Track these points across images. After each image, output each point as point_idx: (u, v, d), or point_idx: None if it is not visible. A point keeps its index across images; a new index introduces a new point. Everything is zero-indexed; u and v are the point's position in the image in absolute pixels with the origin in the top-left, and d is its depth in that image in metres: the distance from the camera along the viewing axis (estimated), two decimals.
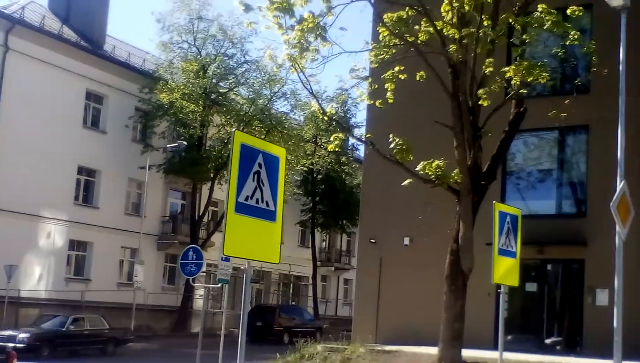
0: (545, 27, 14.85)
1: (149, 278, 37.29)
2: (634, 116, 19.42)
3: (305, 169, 44.77)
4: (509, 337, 21.02)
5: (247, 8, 14.95)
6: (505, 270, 11.41)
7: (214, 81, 38.81)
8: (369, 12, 19.33)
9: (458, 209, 16.27)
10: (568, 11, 15.52)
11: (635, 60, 19.76)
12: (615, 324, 9.78)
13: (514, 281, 11.73)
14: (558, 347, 21.92)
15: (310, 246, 48.84)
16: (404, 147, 16.54)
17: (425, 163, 16.51)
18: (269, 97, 39.85)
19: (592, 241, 21.53)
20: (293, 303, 49.73)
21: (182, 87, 37.11)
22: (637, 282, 19.16)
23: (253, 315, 32.19)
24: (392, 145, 16.66)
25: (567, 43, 15.93)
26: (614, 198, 10.12)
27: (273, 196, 7.29)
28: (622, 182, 10.48)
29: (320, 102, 19.70)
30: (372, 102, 18.40)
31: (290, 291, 52.42)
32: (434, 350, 16.40)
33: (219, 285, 18.03)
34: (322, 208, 47.98)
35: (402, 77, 16.89)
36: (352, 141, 46.07)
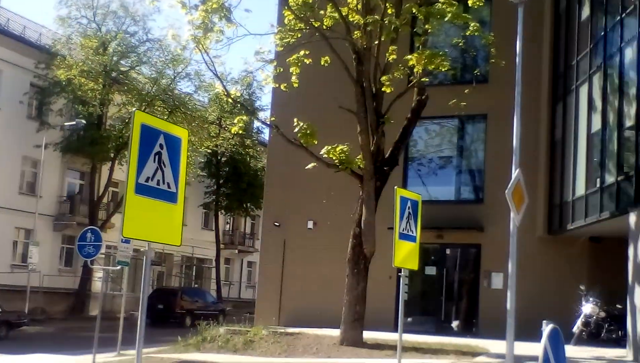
0: (446, 19, 15.19)
1: (45, 260, 36.00)
2: (530, 106, 20.21)
3: (209, 151, 44.26)
4: (409, 319, 21.60)
5: None
6: (406, 254, 11.64)
7: (114, 58, 37.68)
8: None
9: (361, 193, 16.51)
10: (469, 2, 15.94)
11: (532, 52, 20.55)
12: (508, 306, 10.17)
13: (414, 265, 12.00)
14: (455, 328, 22.65)
15: (213, 228, 48.46)
16: (308, 131, 16.61)
17: (329, 147, 16.66)
18: (172, 77, 39.05)
19: (488, 227, 22.32)
20: (196, 285, 49.24)
21: (80, 64, 35.83)
22: (530, 266, 20.02)
23: (154, 298, 31.72)
24: (296, 129, 16.70)
25: (468, 34, 16.37)
26: (509, 186, 10.49)
27: (175, 178, 7.17)
28: (517, 170, 10.87)
29: (224, 84, 19.50)
30: (277, 85, 18.38)
31: (193, 274, 51.88)
32: (336, 332, 16.64)
33: (119, 267, 17.64)
34: (226, 191, 47.63)
35: (307, 62, 16.94)
36: (256, 124, 45.85)
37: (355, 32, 16.05)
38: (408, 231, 11.63)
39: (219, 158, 47.24)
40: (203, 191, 46.72)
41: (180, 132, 7.38)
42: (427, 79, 17.53)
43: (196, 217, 48.60)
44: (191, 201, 43.00)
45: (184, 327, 29.33)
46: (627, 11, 16.89)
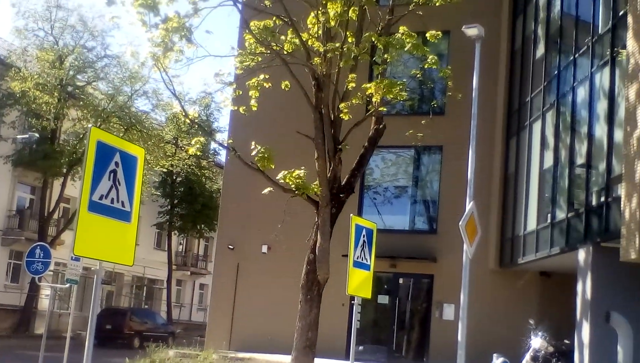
0: (405, 49, 15.40)
1: None
2: (485, 140, 20.56)
3: (164, 170, 43.87)
4: (361, 347, 21.60)
5: (110, 2, 14.42)
6: (360, 282, 11.65)
7: (71, 73, 37.19)
8: (236, 17, 19.33)
9: (316, 219, 16.49)
10: (427, 35, 16.19)
11: (488, 87, 20.96)
12: (459, 338, 10.24)
13: (367, 294, 12.01)
14: (407, 358, 22.69)
15: (166, 249, 47.87)
16: (265, 155, 16.55)
17: (286, 172, 16.62)
18: (130, 94, 38.65)
19: (441, 258, 22.51)
20: (146, 306, 48.45)
21: (36, 76, 35.27)
22: (481, 299, 20.22)
23: (102, 318, 31.08)
24: (254, 152, 16.66)
25: (426, 66, 16.60)
26: (463, 218, 10.62)
27: (129, 197, 7.08)
28: (471, 203, 11.01)
29: (182, 104, 19.38)
30: (235, 108, 18.31)
31: (144, 295, 51.05)
32: (287, 359, 16.48)
33: (67, 285, 17.29)
34: (180, 211, 47.19)
35: (267, 86, 16.94)
36: (213, 145, 45.70)
37: (315, 59, 16.13)
38: (362, 259, 11.65)
39: (174, 177, 46.87)
40: (157, 211, 46.19)
41: (137, 151, 7.29)
42: (385, 108, 17.68)
43: (149, 237, 47.99)
44: (144, 221, 42.46)
45: (132, 348, 28.81)
46: (580, 52, 17.35)
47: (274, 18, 16.00)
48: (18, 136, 35.72)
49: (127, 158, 7.04)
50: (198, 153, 18.33)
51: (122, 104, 37.72)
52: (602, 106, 15.92)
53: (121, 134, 33.73)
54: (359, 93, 16.37)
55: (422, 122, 19.03)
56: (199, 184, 46.90)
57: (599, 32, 16.40)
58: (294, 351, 16.13)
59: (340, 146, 16.58)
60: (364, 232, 11.72)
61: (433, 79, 21.88)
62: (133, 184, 7.13)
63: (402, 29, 15.61)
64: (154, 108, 40.81)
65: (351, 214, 12.01)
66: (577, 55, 17.58)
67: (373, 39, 15.74)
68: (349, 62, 15.90)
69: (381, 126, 17.30)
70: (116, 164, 6.89)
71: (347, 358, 15.60)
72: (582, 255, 15.92)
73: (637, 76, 13.63)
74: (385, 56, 16.30)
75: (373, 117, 17.36)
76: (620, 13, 15.14)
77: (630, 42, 13.96)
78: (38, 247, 16.02)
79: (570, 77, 17.94)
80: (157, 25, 15.17)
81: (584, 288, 15.65)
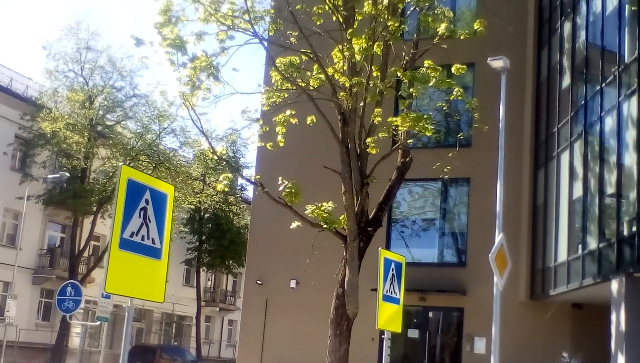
0: (430, 84, 15.46)
1: (22, 314, 35.42)
2: (512, 171, 20.46)
3: (192, 207, 44.15)
4: None
5: (139, 42, 14.73)
6: (389, 316, 11.57)
7: (100, 112, 37.83)
8: (262, 54, 19.55)
9: (344, 254, 16.46)
10: (452, 69, 16.24)
11: (514, 119, 20.93)
12: None
13: (397, 327, 11.91)
14: None
15: (195, 285, 47.95)
16: (292, 190, 16.62)
17: (314, 206, 16.66)
18: (158, 132, 39.17)
19: (471, 290, 22.29)
20: (175, 343, 48.47)
21: (66, 117, 35.92)
22: (512, 331, 19.95)
23: (133, 355, 31.07)
24: (281, 188, 16.73)
25: (451, 98, 16.64)
26: (493, 250, 10.55)
27: (159, 234, 7.14)
28: (501, 235, 10.94)
29: (210, 140, 19.56)
30: (262, 144, 18.46)
31: (173, 331, 51.09)
32: None
33: (98, 323, 17.40)
34: (208, 247, 47.32)
35: (293, 121, 17.08)
36: (241, 181, 45.94)
37: (341, 93, 16.25)
38: (392, 293, 11.58)
39: (202, 214, 47.12)
40: (185, 247, 46.38)
41: (166, 188, 7.37)
42: (411, 141, 17.72)
43: (177, 273, 48.18)
44: (173, 257, 42.36)
45: None
46: (607, 81, 17.29)
47: (300, 54, 16.19)
48: (49, 176, 36.27)
49: (157, 195, 7.13)
50: (226, 189, 18.50)
51: (150, 142, 38.20)
52: (630, 135, 15.80)
53: (150, 172, 34.09)
54: (384, 127, 16.43)
55: (449, 154, 19.00)
56: (226, 220, 47.06)
57: (625, 61, 16.35)
58: None
59: (367, 180, 16.60)
60: (392, 266, 11.67)
61: (459, 111, 21.90)
62: (163, 221, 7.20)
63: (427, 62, 15.68)
64: (182, 145, 41.29)
65: (379, 248, 11.97)
66: (603, 85, 17.51)
67: (398, 74, 15.84)
68: (375, 97, 15.99)
69: (408, 159, 17.30)
70: (146, 201, 6.96)
71: None
72: (615, 285, 15.69)
73: None
74: (411, 90, 16.37)
75: (399, 151, 17.39)
76: None
77: None
78: (69, 285, 16.20)
79: (597, 107, 17.85)
80: (184, 64, 15.43)
81: (618, 320, 15.39)
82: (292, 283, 24.34)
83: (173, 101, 18.24)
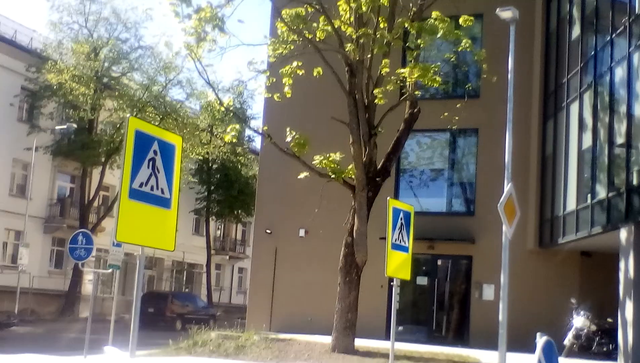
0: (438, 35, 15.30)
1: (35, 262, 35.95)
2: (521, 122, 20.37)
3: (200, 158, 44.28)
4: (400, 328, 21.66)
5: None
6: (398, 264, 11.69)
7: (106, 64, 37.66)
8: (268, 6, 19.34)
9: (353, 203, 16.56)
10: (460, 20, 16.05)
11: (523, 70, 20.73)
12: (500, 318, 10.22)
13: (406, 275, 12.04)
14: (447, 338, 22.69)
15: (204, 234, 48.41)
16: (301, 141, 16.67)
17: (322, 157, 16.71)
18: (164, 84, 39.02)
19: (479, 239, 22.42)
20: (186, 290, 49.13)
21: (72, 68, 35.79)
22: (521, 279, 20.12)
23: (145, 301, 31.53)
24: (289, 138, 16.76)
25: (459, 50, 16.48)
26: (502, 199, 10.58)
27: (168, 184, 7.19)
28: (509, 184, 10.96)
29: (216, 92, 19.53)
30: (269, 95, 18.43)
31: (184, 279, 51.77)
32: (327, 339, 16.65)
33: (109, 270, 17.62)
34: (217, 197, 47.65)
35: (300, 73, 17.00)
36: (248, 132, 45.95)
37: (348, 45, 16.12)
38: (400, 242, 11.68)
39: (210, 164, 47.28)
40: (194, 197, 46.71)
41: (174, 139, 7.39)
42: (419, 93, 17.63)
43: (187, 223, 48.58)
44: (182, 207, 42.64)
45: (174, 330, 29.30)
46: (617, 32, 17.06)
47: (306, 5, 16.02)
48: (56, 127, 36.35)
49: (165, 146, 7.15)
50: (233, 140, 18.48)
51: (156, 94, 38.12)
52: None
53: (157, 123, 34.09)
54: (392, 78, 16.34)
55: (457, 105, 18.92)
56: (234, 170, 47.24)
57: (636, 11, 16.10)
58: (335, 332, 16.29)
59: (374, 131, 16.61)
60: (401, 215, 11.74)
61: (467, 62, 21.70)
62: (172, 171, 7.24)
63: (434, 13, 15.50)
64: (188, 97, 41.21)
65: (388, 198, 12.02)
66: (614, 35, 17.28)
67: (406, 24, 15.68)
68: (382, 48, 15.88)
69: (416, 110, 17.27)
70: (154, 152, 6.99)
71: (387, 338, 15.70)
72: (623, 234, 15.76)
73: None
74: (419, 41, 16.23)
75: (407, 102, 17.33)
76: None
77: None
78: (80, 234, 16.33)
79: (607, 58, 17.66)
80: (189, 15, 15.34)
81: (627, 267, 15.50)
82: (301, 232, 24.51)
83: (178, 52, 18.12)
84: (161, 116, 37.58)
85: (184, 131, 37.35)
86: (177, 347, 17.26)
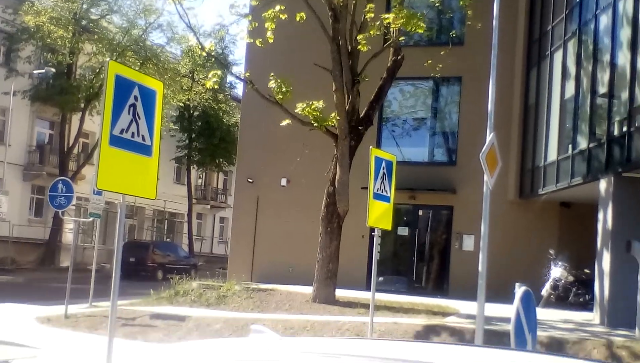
0: None
1: (14, 210, 35.66)
2: (504, 70, 20.25)
3: (181, 105, 43.84)
4: (381, 278, 21.82)
5: None
6: (380, 214, 11.67)
7: (84, 6, 36.86)
8: None
9: (335, 152, 16.50)
10: None
11: (508, 17, 20.51)
12: (480, 268, 10.27)
13: (387, 225, 12.05)
14: (427, 289, 22.94)
15: (186, 183, 48.26)
16: (283, 88, 16.49)
17: (304, 104, 16.57)
18: (144, 27, 38.35)
19: (461, 189, 22.50)
20: (168, 239, 49.18)
21: (49, 10, 35.01)
22: (501, 230, 20.29)
23: (126, 251, 31.35)
24: (271, 83, 16.59)
25: None
26: (484, 149, 10.51)
27: (149, 131, 7.05)
28: (492, 134, 10.89)
29: (198, 36, 19.22)
30: (251, 40, 18.15)
31: (165, 228, 51.78)
32: (308, 289, 16.77)
33: (90, 219, 17.53)
34: (198, 145, 47.36)
35: (283, 17, 16.72)
36: (230, 78, 45.46)
37: None
38: (382, 191, 11.64)
39: (191, 112, 46.87)
40: (175, 146, 46.39)
41: (155, 85, 7.23)
42: (403, 39, 17.44)
43: (168, 171, 48.37)
44: (163, 155, 42.03)
45: (155, 280, 29.41)
46: None
47: None
48: (34, 71, 35.71)
49: (146, 91, 6.99)
50: (215, 86, 18.26)
51: (136, 38, 37.47)
52: (625, 34, 15.56)
53: (137, 69, 33.53)
54: (376, 24, 16.13)
55: (441, 52, 18.75)
56: (216, 118, 46.90)
57: None
58: (315, 282, 16.40)
59: (358, 78, 16.46)
60: (383, 164, 11.68)
61: (452, 8, 21.46)
62: (153, 118, 7.10)
63: None
64: (169, 42, 40.66)
65: (370, 147, 11.95)
66: None
67: None
68: None
69: (399, 57, 17.11)
70: (135, 98, 6.84)
71: (367, 288, 15.85)
72: (603, 185, 15.85)
73: None
74: None
75: (391, 48, 17.15)
76: None
77: None
78: (60, 182, 16.18)
79: (592, 5, 17.50)
80: None
81: (605, 218, 15.64)
82: (283, 181, 24.46)
83: None
84: (141, 61, 37.02)
85: (165, 76, 36.88)
86: (159, 297, 17.35)
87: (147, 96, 7.03)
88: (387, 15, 15.52)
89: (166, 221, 51.54)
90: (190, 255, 41.37)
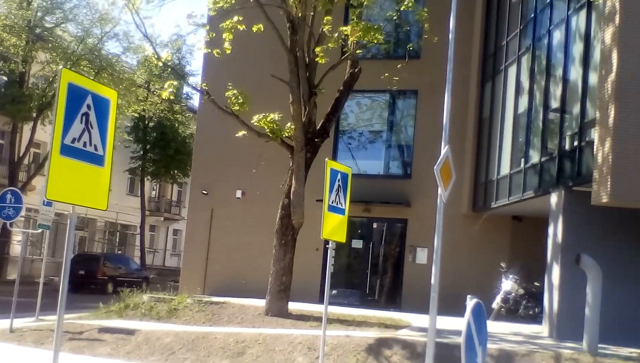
0: None
1: None
2: (460, 84, 20.50)
3: (136, 115, 43.35)
4: (335, 292, 21.83)
5: None
6: (334, 226, 11.66)
7: (39, 14, 36.19)
8: None
9: (291, 164, 16.46)
10: None
11: (464, 31, 20.82)
12: (432, 281, 10.30)
13: (342, 238, 12.03)
14: (380, 302, 22.98)
15: (139, 194, 47.64)
16: (240, 99, 16.42)
17: (261, 116, 16.51)
18: (100, 37, 37.82)
19: (415, 202, 22.65)
20: (119, 252, 48.43)
21: (2, 18, 34.32)
22: (454, 243, 20.47)
23: (76, 263, 30.97)
24: (228, 93, 16.51)
25: (402, 9, 16.40)
26: (438, 162, 10.58)
27: (102, 140, 6.93)
28: (446, 147, 10.97)
29: (154, 46, 19.04)
30: (209, 50, 18.04)
31: (117, 240, 50.99)
32: (261, 303, 16.65)
33: (39, 231, 17.17)
34: (153, 157, 46.85)
35: (241, 28, 16.67)
36: (186, 89, 45.14)
37: (291, 0, 15.86)
38: (337, 204, 11.64)
39: (146, 122, 46.39)
40: (129, 156, 45.81)
41: (109, 94, 7.12)
42: (360, 52, 17.53)
43: (121, 182, 47.73)
44: (116, 166, 41.91)
45: (105, 293, 28.88)
46: None
47: None
48: None
49: (99, 100, 6.88)
50: (171, 97, 18.08)
51: (92, 47, 36.91)
52: (577, 50, 15.90)
53: (92, 78, 33.00)
54: (334, 36, 16.18)
55: (398, 66, 18.91)
56: (171, 129, 46.50)
57: None
58: (269, 295, 16.29)
59: (315, 90, 16.47)
60: (339, 176, 11.69)
61: (409, 22, 21.66)
62: (106, 127, 6.98)
63: None
64: (125, 51, 40.03)
65: (326, 159, 11.95)
66: None
67: None
68: (325, 5, 15.67)
69: (356, 70, 17.18)
70: (88, 107, 6.72)
71: (320, 301, 15.77)
72: (554, 199, 16.10)
73: (613, 19, 13.59)
74: None
75: (348, 61, 17.21)
76: None
77: None
78: (9, 192, 15.81)
79: (546, 21, 17.84)
80: None
81: (556, 232, 15.87)
82: (238, 193, 24.33)
83: (115, 2, 17.55)
84: (96, 70, 36.45)
85: (120, 86, 36.34)
86: (108, 310, 17.04)
87: (101, 105, 6.91)
88: (344, 28, 15.58)
89: (118, 233, 50.77)
90: (142, 267, 40.81)
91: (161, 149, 46.13)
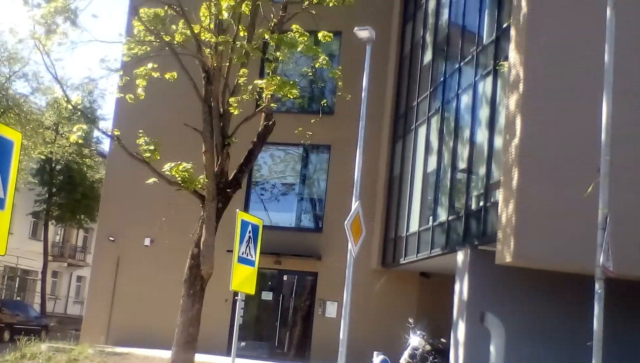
0: (298, 49, 15.43)
1: None
2: (372, 141, 20.91)
3: (42, 157, 42.06)
4: (243, 343, 21.47)
5: None
6: (244, 278, 11.54)
7: None
8: (125, 3, 18.73)
9: (202, 214, 16.25)
10: (319, 35, 16.27)
11: (376, 90, 21.34)
12: (341, 335, 10.31)
13: (251, 290, 11.91)
14: (289, 354, 22.74)
15: (42, 239, 45.91)
16: (151, 146, 16.18)
17: (173, 164, 16.30)
18: (8, 76, 36.81)
19: (326, 256, 22.73)
20: (18, 298, 46.28)
21: None
22: (363, 297, 20.58)
23: None
24: (139, 140, 16.25)
25: (317, 66, 16.70)
26: (349, 217, 10.71)
27: (4, 183, 6.66)
28: (357, 202, 11.13)
29: (64, 89, 18.62)
30: (122, 95, 17.79)
31: (16, 286, 48.77)
32: (167, 354, 16.18)
33: None
34: (58, 200, 45.36)
35: (155, 75, 16.52)
36: (96, 133, 44.21)
37: (206, 51, 15.88)
38: (247, 255, 11.55)
39: (53, 165, 45.01)
40: (33, 199, 44.19)
41: (13, 135, 6.87)
42: (275, 105, 17.66)
43: (24, 226, 45.91)
44: (19, 209, 40.45)
45: (2, 341, 27.52)
46: (465, 60, 17.94)
47: (165, 7, 15.62)
48: None
49: (2, 141, 6.63)
50: (80, 141, 17.65)
51: None
52: (484, 114, 16.51)
53: None
54: (249, 88, 16.26)
55: (312, 121, 19.15)
56: (79, 173, 45.25)
57: (484, 42, 17.00)
58: (175, 346, 15.84)
59: (228, 140, 16.40)
60: (249, 228, 11.63)
61: (324, 79, 22.07)
62: (8, 170, 6.71)
63: (294, 27, 15.62)
64: (34, 92, 39.02)
65: (237, 210, 11.90)
66: (462, 63, 18.15)
67: (266, 36, 15.67)
68: (241, 58, 15.75)
69: (270, 123, 17.25)
70: None
71: (228, 354, 15.50)
72: (460, 256, 16.44)
73: (517, 86, 14.22)
74: (278, 53, 16.23)
75: (263, 114, 17.28)
76: (504, 25, 15.75)
77: (512, 54, 14.55)
78: None
79: (455, 85, 18.50)
80: (39, 5, 14.52)
81: (461, 289, 16.18)
82: (147, 241, 23.82)
83: (24, 40, 17.11)
84: (2, 110, 35.35)
85: (27, 127, 35.30)
86: (3, 360, 16.24)
87: (3, 146, 6.66)
88: (260, 81, 15.69)
89: (18, 278, 48.63)
90: (42, 315, 39.12)
91: (68, 193, 44.74)
